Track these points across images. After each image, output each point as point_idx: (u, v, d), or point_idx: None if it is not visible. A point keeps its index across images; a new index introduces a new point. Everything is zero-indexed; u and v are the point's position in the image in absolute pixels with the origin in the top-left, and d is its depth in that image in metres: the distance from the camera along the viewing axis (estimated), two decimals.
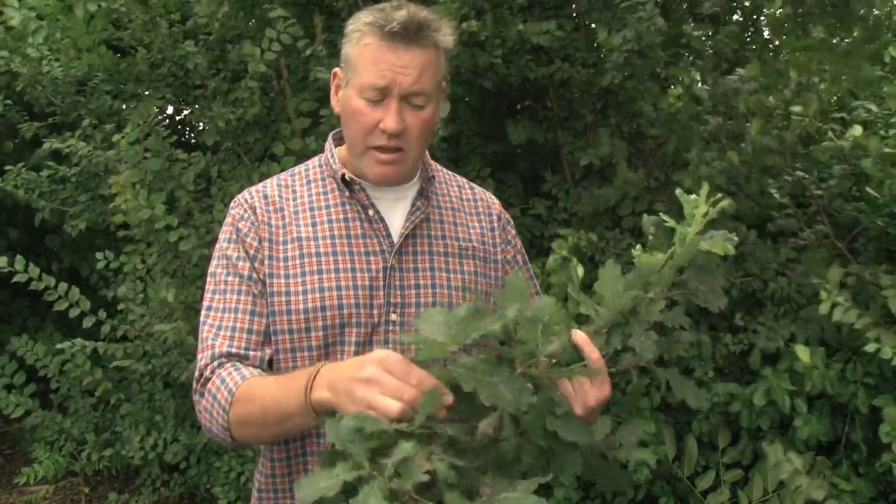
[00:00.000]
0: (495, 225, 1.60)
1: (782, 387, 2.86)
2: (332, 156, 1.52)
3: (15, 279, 3.25)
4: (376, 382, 1.08)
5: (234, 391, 1.33)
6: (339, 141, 1.57)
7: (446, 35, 1.41)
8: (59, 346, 3.51)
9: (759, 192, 3.12)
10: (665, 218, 1.11)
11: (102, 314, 3.41)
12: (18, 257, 3.27)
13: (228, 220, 1.50)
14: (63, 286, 3.32)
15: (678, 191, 1.12)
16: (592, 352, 1.15)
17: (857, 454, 2.96)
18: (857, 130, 2.87)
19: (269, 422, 1.29)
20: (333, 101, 1.49)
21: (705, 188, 1.10)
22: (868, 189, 2.92)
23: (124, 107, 3.50)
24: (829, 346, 3.00)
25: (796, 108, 2.90)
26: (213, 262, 1.49)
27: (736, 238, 1.11)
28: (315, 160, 1.58)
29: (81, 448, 4.10)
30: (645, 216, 1.18)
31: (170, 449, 3.66)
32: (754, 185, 3.04)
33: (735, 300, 3.17)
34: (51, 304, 3.37)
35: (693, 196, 1.12)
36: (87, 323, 3.36)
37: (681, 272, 1.14)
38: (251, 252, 1.45)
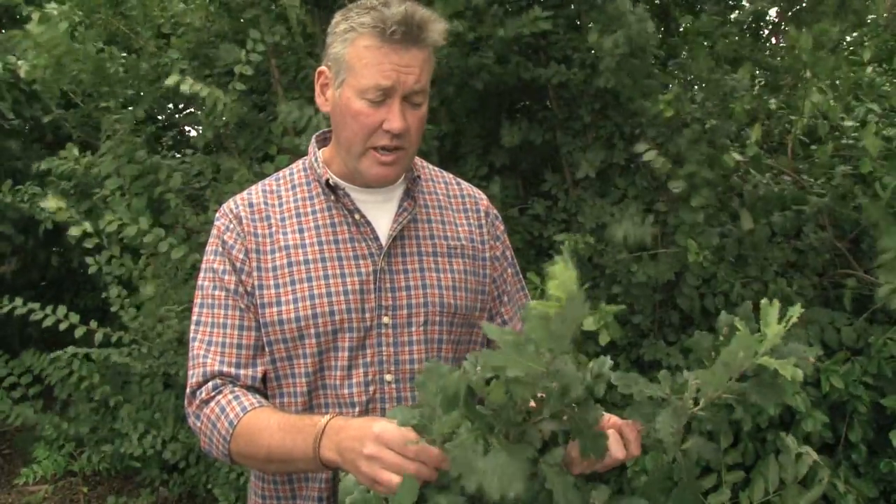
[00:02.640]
0: (483, 221, 1.60)
1: (793, 390, 2.83)
2: (316, 159, 1.51)
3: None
4: (377, 459, 1.11)
5: (236, 424, 1.35)
6: (322, 143, 1.56)
7: (441, 34, 1.41)
8: (51, 355, 3.55)
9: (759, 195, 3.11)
10: (738, 325, 1.09)
11: (94, 324, 3.43)
12: None
13: (214, 231, 1.49)
14: (49, 307, 3.39)
15: (763, 301, 1.09)
16: (634, 449, 1.20)
17: (856, 454, 2.95)
18: (870, 129, 2.85)
19: (273, 462, 1.34)
20: (320, 100, 1.48)
21: (775, 304, 1.08)
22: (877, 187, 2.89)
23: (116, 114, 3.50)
24: (829, 346, 2.99)
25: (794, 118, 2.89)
26: (201, 275, 1.49)
27: (812, 359, 1.10)
28: (299, 163, 1.56)
29: (81, 450, 4.10)
30: (722, 313, 1.17)
31: (169, 447, 3.66)
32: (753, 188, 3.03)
33: (736, 303, 3.15)
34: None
35: (765, 301, 1.10)
36: (79, 333, 3.39)
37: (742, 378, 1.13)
38: (237, 265, 1.44)
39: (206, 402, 1.40)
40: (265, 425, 1.32)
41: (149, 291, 3.21)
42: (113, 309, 3.52)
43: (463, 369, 1.06)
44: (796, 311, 1.09)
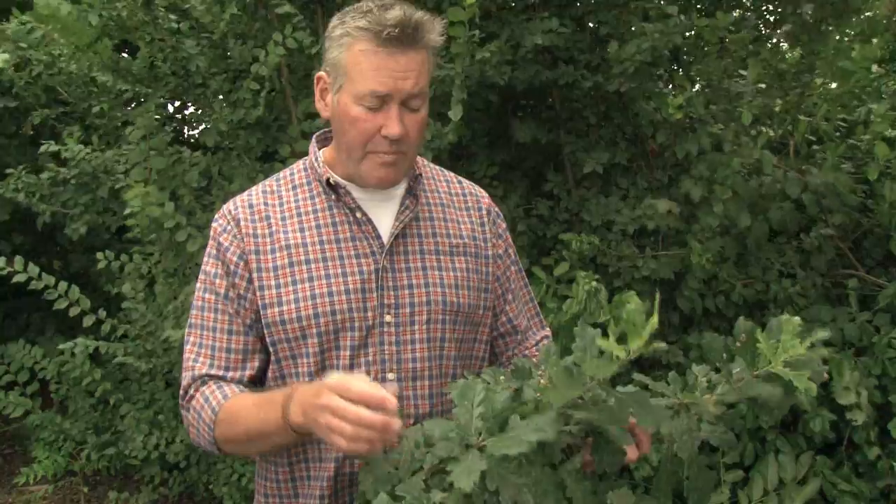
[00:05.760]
0: (485, 219, 1.59)
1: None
2: (317, 159, 1.51)
3: (14, 279, 3.24)
4: (328, 407, 1.14)
5: (218, 411, 1.38)
6: (322, 143, 1.56)
7: (438, 35, 1.40)
8: (60, 346, 3.51)
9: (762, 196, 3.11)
10: (760, 337, 1.12)
11: (102, 313, 3.40)
12: (18, 258, 3.27)
13: (211, 233, 1.50)
14: (63, 285, 3.31)
15: (784, 317, 1.12)
16: (644, 448, 1.22)
17: (858, 455, 2.95)
18: (879, 117, 2.85)
19: (252, 440, 1.36)
20: (320, 105, 1.47)
21: (796, 320, 1.11)
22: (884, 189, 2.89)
23: (129, 108, 3.49)
24: (833, 345, 2.99)
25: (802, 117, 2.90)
26: (198, 277, 1.51)
27: (826, 375, 1.13)
28: (300, 164, 1.56)
29: (81, 448, 4.09)
30: (741, 320, 1.19)
31: (171, 449, 3.65)
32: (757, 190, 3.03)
33: (737, 303, 3.15)
34: (51, 303, 3.36)
35: (788, 317, 1.12)
36: (88, 322, 3.35)
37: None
38: (231, 267, 1.45)
39: (194, 395, 1.44)
40: (243, 405, 1.36)
41: (159, 288, 3.20)
42: (125, 305, 3.49)
43: (505, 389, 1.09)
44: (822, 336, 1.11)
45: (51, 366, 3.81)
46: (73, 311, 3.34)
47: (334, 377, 1.17)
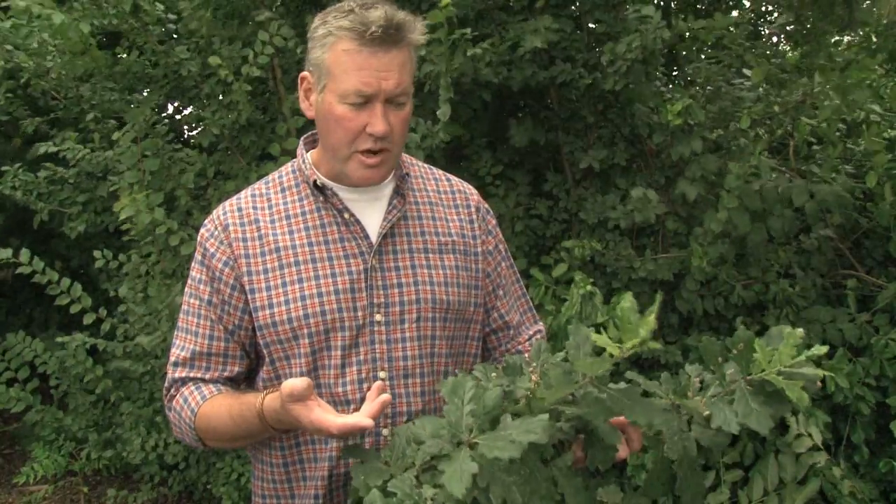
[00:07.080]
0: (474, 216, 1.60)
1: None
2: (305, 161, 1.51)
3: (19, 270, 3.25)
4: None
5: (196, 411, 1.42)
6: (310, 145, 1.57)
7: (420, 34, 1.41)
8: (58, 339, 3.52)
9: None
10: (757, 346, 1.12)
11: (103, 312, 3.41)
12: (24, 250, 3.28)
13: (199, 238, 1.51)
14: (66, 281, 3.33)
15: (787, 329, 1.12)
16: (635, 446, 1.25)
17: (858, 455, 2.95)
18: (871, 131, 2.85)
19: (236, 441, 1.44)
20: (304, 105, 1.48)
21: (798, 333, 1.11)
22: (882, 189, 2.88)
23: (126, 104, 3.49)
24: (833, 346, 2.99)
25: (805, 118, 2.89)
26: (187, 281, 1.53)
27: (819, 384, 1.13)
28: (288, 166, 1.57)
29: (81, 448, 4.10)
30: (741, 328, 1.19)
31: (170, 450, 3.65)
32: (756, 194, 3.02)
33: (736, 305, 3.15)
34: (53, 299, 3.37)
35: (790, 329, 1.12)
36: (88, 320, 3.37)
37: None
38: (216, 273, 1.46)
39: (174, 396, 1.49)
40: (217, 414, 1.41)
41: (154, 291, 3.21)
42: (122, 308, 3.50)
43: (497, 386, 1.08)
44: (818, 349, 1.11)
45: (52, 361, 3.81)
46: (75, 308, 3.36)
47: (307, 418, 1.20)
